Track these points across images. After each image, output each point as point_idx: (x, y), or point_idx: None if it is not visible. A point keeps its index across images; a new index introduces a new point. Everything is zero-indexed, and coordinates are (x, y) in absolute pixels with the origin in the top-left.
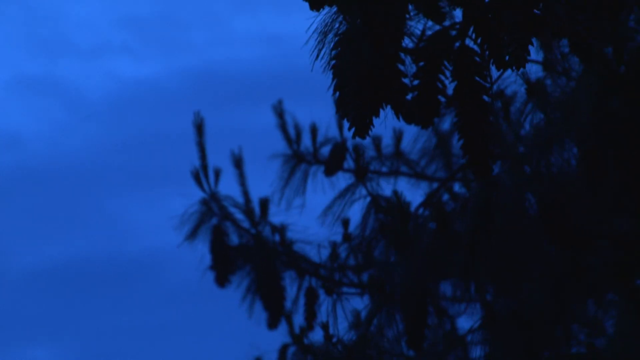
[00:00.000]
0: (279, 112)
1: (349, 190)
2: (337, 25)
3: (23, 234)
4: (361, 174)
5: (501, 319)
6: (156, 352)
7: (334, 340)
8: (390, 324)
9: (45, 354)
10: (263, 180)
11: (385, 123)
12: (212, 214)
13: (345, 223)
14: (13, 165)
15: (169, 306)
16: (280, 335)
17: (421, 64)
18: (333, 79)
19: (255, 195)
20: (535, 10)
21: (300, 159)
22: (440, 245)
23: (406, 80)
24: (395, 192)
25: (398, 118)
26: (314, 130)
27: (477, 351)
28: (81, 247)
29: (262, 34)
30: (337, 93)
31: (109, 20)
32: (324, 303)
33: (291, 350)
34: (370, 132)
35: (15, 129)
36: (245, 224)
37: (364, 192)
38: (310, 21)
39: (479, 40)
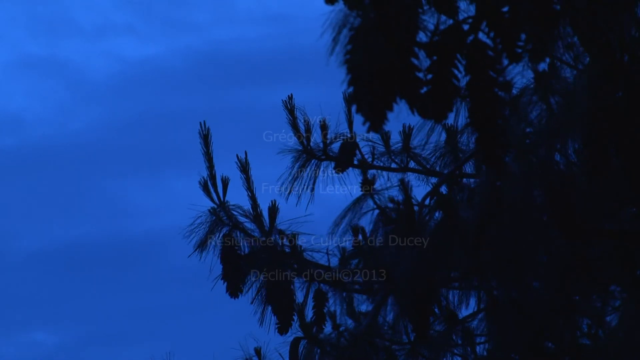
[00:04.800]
0: (290, 108)
1: (357, 202)
2: (351, 20)
3: (25, 216)
4: (368, 187)
5: (505, 309)
6: (157, 334)
7: (342, 329)
8: (395, 313)
9: (47, 336)
10: (268, 167)
11: (399, 117)
12: (221, 224)
13: (355, 230)
14: (16, 146)
15: (171, 288)
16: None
17: (435, 58)
18: (347, 74)
19: (260, 183)
20: (555, 5)
21: (310, 155)
22: (446, 233)
23: (420, 74)
24: (401, 181)
25: (412, 112)
26: (323, 127)
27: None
28: (83, 229)
29: (266, 14)
30: (351, 88)
31: (112, 0)
32: (333, 300)
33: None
34: (384, 126)
35: (18, 110)
36: (255, 233)
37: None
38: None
39: (491, 34)
